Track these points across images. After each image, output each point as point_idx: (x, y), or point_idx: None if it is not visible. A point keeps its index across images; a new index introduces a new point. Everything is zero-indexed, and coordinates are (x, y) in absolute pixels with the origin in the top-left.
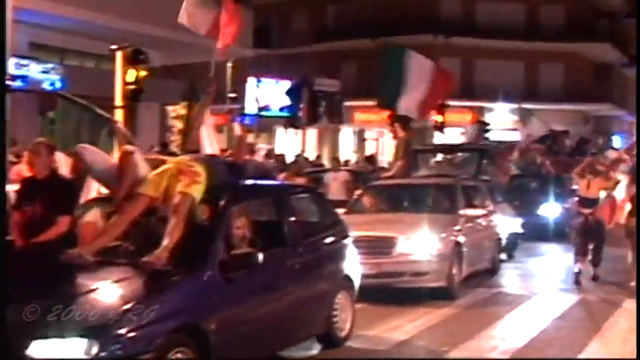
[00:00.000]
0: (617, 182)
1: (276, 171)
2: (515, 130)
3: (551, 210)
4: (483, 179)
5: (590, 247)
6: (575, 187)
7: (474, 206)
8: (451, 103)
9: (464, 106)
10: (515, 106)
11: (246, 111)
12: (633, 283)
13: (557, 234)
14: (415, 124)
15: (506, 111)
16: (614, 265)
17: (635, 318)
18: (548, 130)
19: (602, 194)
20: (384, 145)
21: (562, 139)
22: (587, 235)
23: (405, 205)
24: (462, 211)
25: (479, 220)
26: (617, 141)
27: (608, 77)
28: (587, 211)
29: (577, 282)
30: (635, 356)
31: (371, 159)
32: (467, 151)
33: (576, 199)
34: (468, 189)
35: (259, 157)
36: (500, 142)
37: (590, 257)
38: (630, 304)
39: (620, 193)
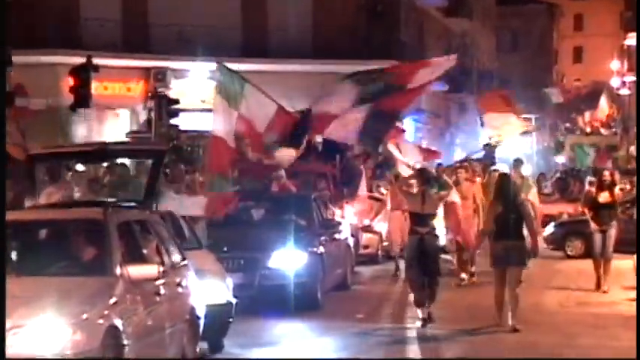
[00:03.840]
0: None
1: None
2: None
3: (290, 260)
4: (167, 211)
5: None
6: (337, 217)
7: (144, 259)
8: (107, 62)
9: (130, 68)
10: (227, 66)
11: None
12: None
13: (302, 302)
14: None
15: (207, 76)
16: None
17: None
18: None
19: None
20: None
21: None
22: (423, 260)
23: (17, 265)
24: (119, 271)
25: (156, 285)
26: (408, 125)
27: (388, 16)
28: (424, 229)
29: (424, 326)
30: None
31: None
32: (132, 155)
33: None
34: (129, 228)
35: None
36: (198, 132)
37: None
38: None
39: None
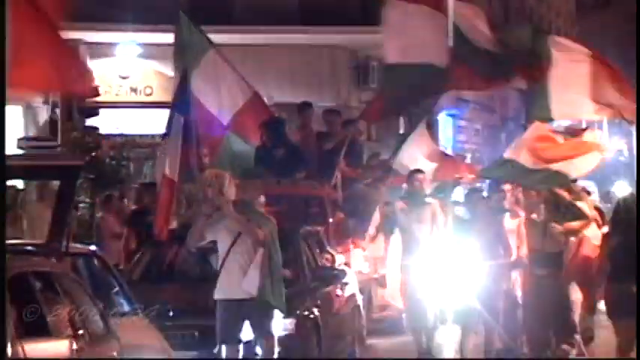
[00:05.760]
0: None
1: None
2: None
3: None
4: (85, 251)
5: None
6: (339, 264)
7: (50, 331)
8: None
9: None
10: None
11: None
12: None
13: None
14: None
15: (138, 52)
16: None
17: None
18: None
19: None
20: None
21: (306, 120)
22: (544, 316)
23: None
24: (12, 348)
25: None
26: (444, 123)
27: None
28: (543, 271)
29: None
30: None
31: None
32: (29, 175)
33: None
34: (26, 284)
35: None
36: (129, 137)
37: None
38: None
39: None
